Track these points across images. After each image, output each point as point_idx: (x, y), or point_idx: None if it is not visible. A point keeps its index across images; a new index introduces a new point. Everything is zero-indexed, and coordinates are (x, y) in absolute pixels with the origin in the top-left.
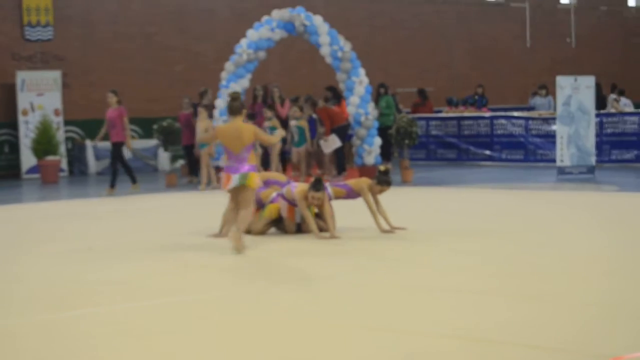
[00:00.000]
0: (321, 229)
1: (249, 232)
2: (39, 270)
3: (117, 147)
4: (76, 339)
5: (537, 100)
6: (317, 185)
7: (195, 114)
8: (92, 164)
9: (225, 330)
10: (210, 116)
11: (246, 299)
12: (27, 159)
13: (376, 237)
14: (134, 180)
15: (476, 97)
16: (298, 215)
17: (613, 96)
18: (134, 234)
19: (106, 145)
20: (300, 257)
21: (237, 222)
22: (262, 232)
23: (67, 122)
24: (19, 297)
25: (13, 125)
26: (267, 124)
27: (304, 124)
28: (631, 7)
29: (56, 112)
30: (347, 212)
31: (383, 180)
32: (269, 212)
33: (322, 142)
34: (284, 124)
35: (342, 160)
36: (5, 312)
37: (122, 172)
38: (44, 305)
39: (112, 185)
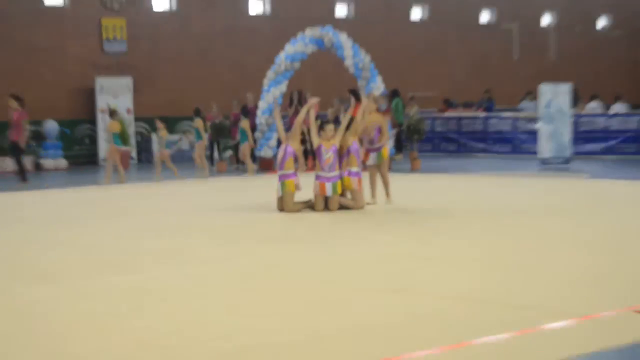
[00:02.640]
0: (343, 207)
1: (282, 209)
2: (109, 240)
3: (15, 145)
4: (137, 298)
5: (525, 104)
6: (326, 122)
7: (244, 114)
8: (157, 154)
9: (250, 295)
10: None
11: (269, 265)
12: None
13: (390, 215)
14: (23, 179)
15: (486, 100)
16: (329, 189)
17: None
18: (185, 212)
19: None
20: (322, 229)
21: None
22: (297, 211)
23: (136, 119)
24: (90, 262)
25: (92, 122)
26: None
27: (245, 125)
28: (598, 30)
29: (128, 111)
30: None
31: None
32: (288, 186)
33: None
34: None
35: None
36: (79, 274)
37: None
38: (112, 270)
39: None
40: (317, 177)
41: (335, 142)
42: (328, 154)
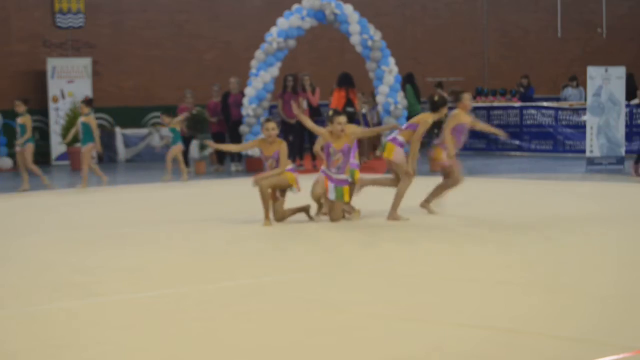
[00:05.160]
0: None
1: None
2: (62, 257)
3: None
4: (98, 325)
5: (568, 92)
6: (336, 113)
7: (224, 102)
8: (122, 151)
9: (249, 319)
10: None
11: (273, 288)
12: (57, 146)
13: (402, 225)
14: None
15: (521, 88)
16: (332, 191)
17: None
18: (159, 221)
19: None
20: (325, 245)
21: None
22: (286, 217)
23: (97, 110)
24: (44, 283)
25: (43, 112)
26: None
27: (177, 125)
28: None
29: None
30: (372, 198)
31: (439, 104)
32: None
33: None
34: (316, 112)
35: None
36: (30, 298)
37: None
38: (66, 293)
39: None
40: (322, 171)
41: (349, 142)
42: (337, 155)
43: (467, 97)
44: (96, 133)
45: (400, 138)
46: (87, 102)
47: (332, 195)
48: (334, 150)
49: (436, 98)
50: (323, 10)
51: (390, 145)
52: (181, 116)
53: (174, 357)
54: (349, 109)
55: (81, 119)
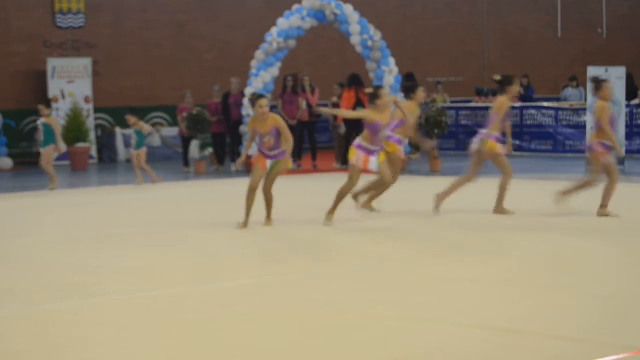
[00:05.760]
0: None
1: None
2: (62, 257)
3: None
4: (98, 325)
5: (568, 92)
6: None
7: (224, 102)
8: (122, 151)
9: (249, 319)
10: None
11: (273, 288)
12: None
13: (405, 224)
14: None
15: (521, 88)
16: (374, 162)
17: None
18: (159, 221)
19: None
20: (325, 246)
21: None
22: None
23: (96, 110)
24: (44, 283)
25: None
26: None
27: (142, 127)
28: None
29: (86, 99)
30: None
31: (505, 83)
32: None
33: None
34: (315, 113)
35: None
36: (30, 298)
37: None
38: (66, 293)
39: None
40: (359, 147)
41: (397, 117)
42: (383, 130)
43: (607, 86)
44: (58, 134)
45: (496, 133)
46: (46, 103)
47: (374, 167)
48: (382, 125)
49: (498, 77)
50: (323, 10)
51: (491, 143)
52: (179, 116)
53: (173, 357)
54: (359, 109)
55: (42, 120)
